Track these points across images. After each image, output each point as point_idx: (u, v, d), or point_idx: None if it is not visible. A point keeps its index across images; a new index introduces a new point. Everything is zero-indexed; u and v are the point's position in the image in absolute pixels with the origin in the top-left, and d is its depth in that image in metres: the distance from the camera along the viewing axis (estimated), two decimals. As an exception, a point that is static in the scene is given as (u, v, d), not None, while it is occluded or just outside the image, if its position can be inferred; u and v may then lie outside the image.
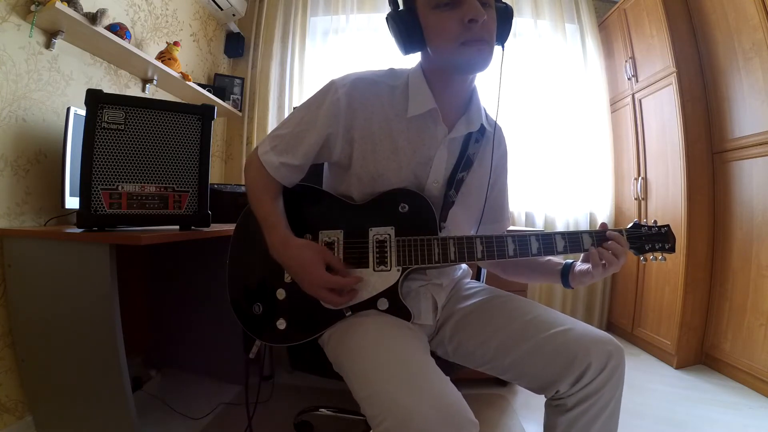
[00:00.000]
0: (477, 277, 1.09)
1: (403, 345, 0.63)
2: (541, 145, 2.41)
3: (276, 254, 0.72)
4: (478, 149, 0.80)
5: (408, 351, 0.62)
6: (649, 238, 0.77)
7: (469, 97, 0.79)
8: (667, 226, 0.79)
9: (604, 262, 0.72)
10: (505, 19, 0.73)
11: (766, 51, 1.53)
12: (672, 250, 0.77)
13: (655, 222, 0.79)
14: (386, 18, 0.73)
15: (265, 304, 0.76)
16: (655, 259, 0.77)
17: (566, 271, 0.78)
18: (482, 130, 0.80)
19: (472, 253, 0.72)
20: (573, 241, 0.74)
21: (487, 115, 0.83)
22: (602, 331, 0.69)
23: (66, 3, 1.22)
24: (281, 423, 1.29)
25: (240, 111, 2.44)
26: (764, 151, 1.58)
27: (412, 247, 0.72)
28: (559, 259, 0.82)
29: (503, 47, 0.74)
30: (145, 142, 1.10)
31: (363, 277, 0.72)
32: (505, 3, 0.73)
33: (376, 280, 0.72)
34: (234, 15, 2.39)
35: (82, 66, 1.46)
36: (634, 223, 0.78)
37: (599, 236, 0.74)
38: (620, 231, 0.75)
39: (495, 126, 0.83)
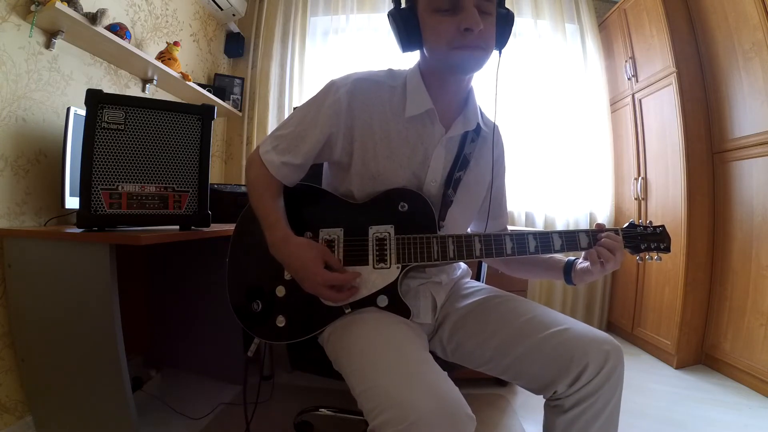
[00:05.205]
0: (477, 276, 1.09)
1: (401, 341, 0.64)
2: (541, 145, 2.41)
3: (276, 252, 0.72)
4: (474, 149, 0.81)
5: (406, 346, 0.62)
6: (644, 238, 0.78)
7: (466, 98, 0.80)
8: (662, 226, 0.79)
9: (602, 260, 0.73)
10: (505, 24, 0.73)
11: (766, 51, 1.53)
12: (667, 249, 0.78)
13: (651, 222, 0.80)
14: (388, 14, 0.74)
15: (265, 302, 0.76)
16: (651, 258, 0.78)
17: (569, 268, 0.79)
18: (478, 129, 0.81)
19: (471, 251, 0.73)
20: (570, 239, 0.75)
21: (482, 115, 0.84)
22: (601, 332, 0.69)
23: (66, 3, 1.22)
24: (281, 423, 1.29)
25: (240, 111, 2.44)
26: (764, 151, 1.58)
27: (411, 245, 0.73)
28: (561, 256, 0.83)
29: (500, 52, 0.75)
30: (145, 142, 1.10)
31: (362, 274, 0.72)
32: (507, 9, 0.74)
33: (375, 277, 0.73)
34: (234, 15, 2.39)
35: (82, 66, 1.46)
36: (630, 223, 0.79)
37: (595, 235, 0.75)
38: (616, 230, 0.77)
39: (494, 127, 0.85)
